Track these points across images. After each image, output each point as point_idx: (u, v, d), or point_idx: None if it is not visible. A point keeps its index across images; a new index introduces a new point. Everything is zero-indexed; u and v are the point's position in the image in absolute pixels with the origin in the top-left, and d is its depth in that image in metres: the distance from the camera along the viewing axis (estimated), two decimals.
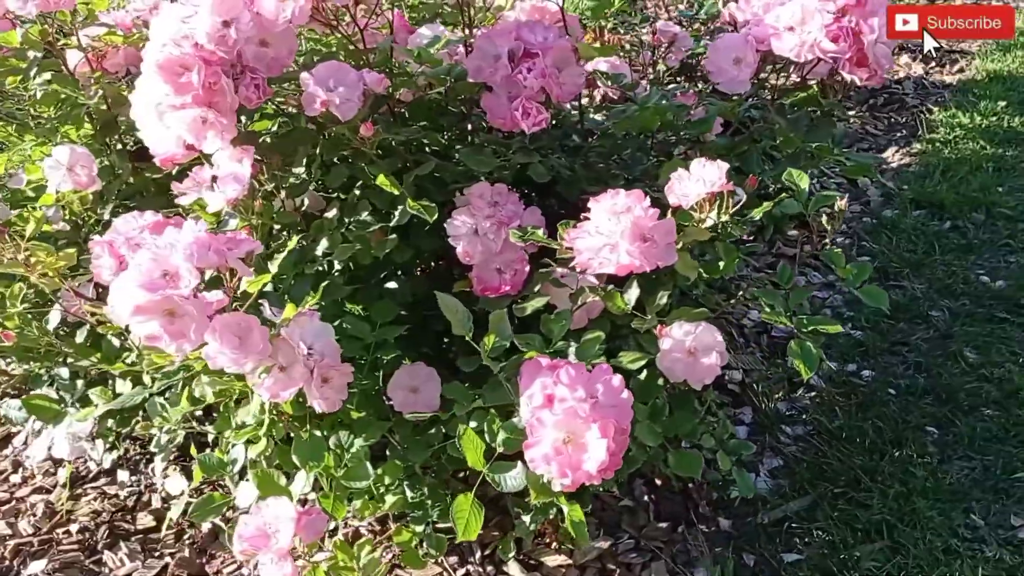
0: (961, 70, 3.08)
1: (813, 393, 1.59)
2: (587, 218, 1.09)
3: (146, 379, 1.24)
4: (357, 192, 1.31)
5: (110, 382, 1.26)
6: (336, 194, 1.32)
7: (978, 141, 2.45)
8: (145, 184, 1.51)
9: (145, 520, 1.48)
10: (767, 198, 1.14)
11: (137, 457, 1.60)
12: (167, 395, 1.22)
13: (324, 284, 1.22)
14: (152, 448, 1.37)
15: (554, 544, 1.33)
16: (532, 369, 0.96)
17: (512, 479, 0.98)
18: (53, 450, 1.39)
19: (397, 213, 1.22)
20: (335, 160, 1.28)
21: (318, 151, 1.26)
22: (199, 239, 0.92)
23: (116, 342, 1.23)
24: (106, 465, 1.58)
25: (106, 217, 1.47)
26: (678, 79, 1.55)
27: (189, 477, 1.50)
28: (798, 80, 1.29)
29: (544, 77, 1.21)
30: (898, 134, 2.62)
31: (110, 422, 1.38)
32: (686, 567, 1.28)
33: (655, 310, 1.12)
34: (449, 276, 1.36)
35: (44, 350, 1.31)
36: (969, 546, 1.29)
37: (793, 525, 1.34)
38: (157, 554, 1.42)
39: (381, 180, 1.17)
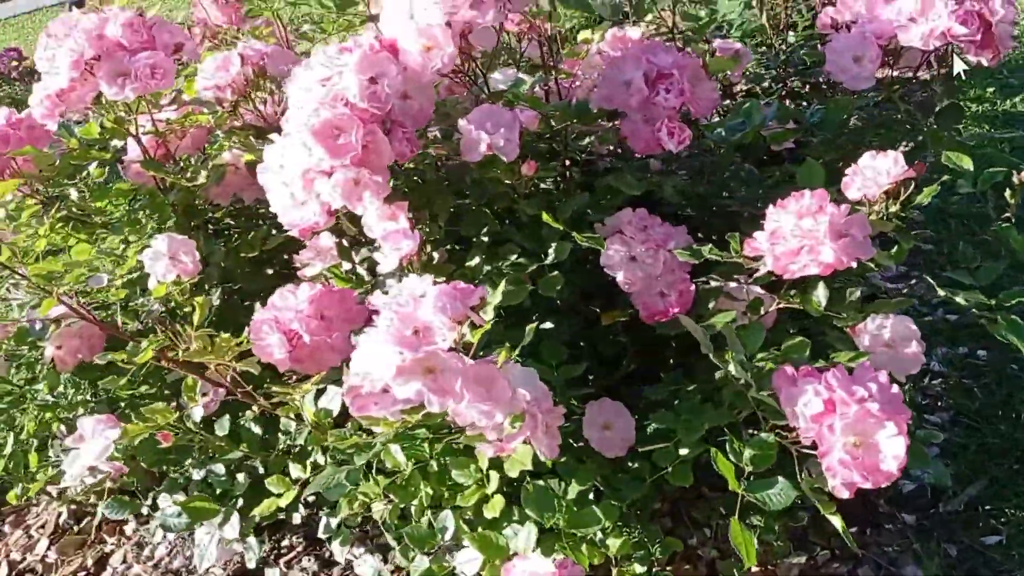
0: None
1: (939, 380, 1.59)
2: (762, 227, 1.09)
3: (319, 459, 1.19)
4: (484, 237, 1.27)
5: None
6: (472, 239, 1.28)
7: (982, 125, 2.54)
8: (240, 264, 1.46)
9: None
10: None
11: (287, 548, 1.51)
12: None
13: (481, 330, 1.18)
14: (321, 534, 1.28)
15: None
16: (784, 379, 0.94)
17: (776, 495, 0.96)
18: (200, 558, 1.30)
19: (552, 251, 1.20)
20: (473, 206, 1.25)
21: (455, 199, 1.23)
22: (444, 290, 0.88)
23: (292, 425, 1.16)
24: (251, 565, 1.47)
25: (215, 301, 1.40)
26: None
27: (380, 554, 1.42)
28: (910, 70, 1.31)
29: (682, 95, 1.20)
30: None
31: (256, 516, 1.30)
32: (892, 566, 1.26)
33: (849, 307, 1.11)
34: (590, 311, 1.34)
35: (182, 447, 1.25)
36: None
37: (980, 509, 1.33)
38: None
39: (545, 217, 1.15)
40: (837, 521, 0.94)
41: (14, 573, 1.64)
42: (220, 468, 1.24)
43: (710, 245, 1.17)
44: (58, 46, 1.23)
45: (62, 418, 1.35)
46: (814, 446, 0.94)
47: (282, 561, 1.49)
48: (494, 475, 1.03)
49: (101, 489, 1.38)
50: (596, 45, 1.47)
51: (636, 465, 1.14)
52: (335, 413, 1.18)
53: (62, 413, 1.34)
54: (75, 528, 1.71)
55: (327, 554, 1.47)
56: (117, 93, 1.24)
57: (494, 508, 1.01)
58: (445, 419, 0.98)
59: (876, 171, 1.09)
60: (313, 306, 1.10)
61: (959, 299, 1.11)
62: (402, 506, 1.14)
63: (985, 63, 1.24)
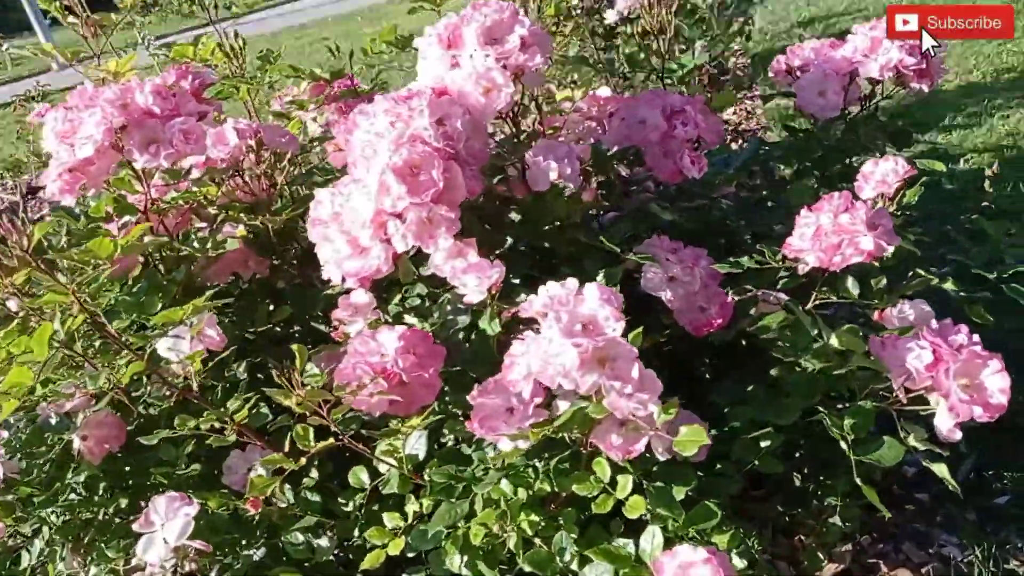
0: None
1: None
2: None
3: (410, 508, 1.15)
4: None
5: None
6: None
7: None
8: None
9: None
10: None
11: None
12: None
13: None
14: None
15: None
16: (878, 346, 1.05)
17: (887, 453, 1.04)
18: None
19: (602, 277, 1.26)
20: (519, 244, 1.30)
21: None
22: (603, 288, 0.92)
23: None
24: None
25: (243, 375, 1.34)
26: None
27: None
28: (864, 98, 1.52)
29: (698, 127, 1.33)
30: None
31: None
32: (927, 539, 1.37)
33: (877, 294, 1.25)
34: None
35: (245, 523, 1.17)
36: None
37: (982, 477, 1.47)
38: None
39: (606, 242, 1.21)
40: (942, 468, 1.04)
41: None
42: (298, 536, 1.16)
43: (747, 256, 1.28)
44: (80, 117, 1.18)
45: (85, 518, 1.22)
46: (912, 402, 1.05)
47: None
48: (623, 479, 1.04)
49: None
50: (576, 103, 1.58)
51: (719, 466, 1.20)
52: (420, 457, 1.17)
53: (86, 510, 1.21)
54: None
55: None
56: (150, 161, 1.20)
57: (635, 508, 1.03)
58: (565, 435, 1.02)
59: (884, 173, 1.25)
60: (405, 345, 1.10)
61: (947, 286, 1.28)
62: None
63: (925, 90, 1.46)
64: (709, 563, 0.98)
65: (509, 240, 1.30)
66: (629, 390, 0.90)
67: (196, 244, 1.30)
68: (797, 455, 1.32)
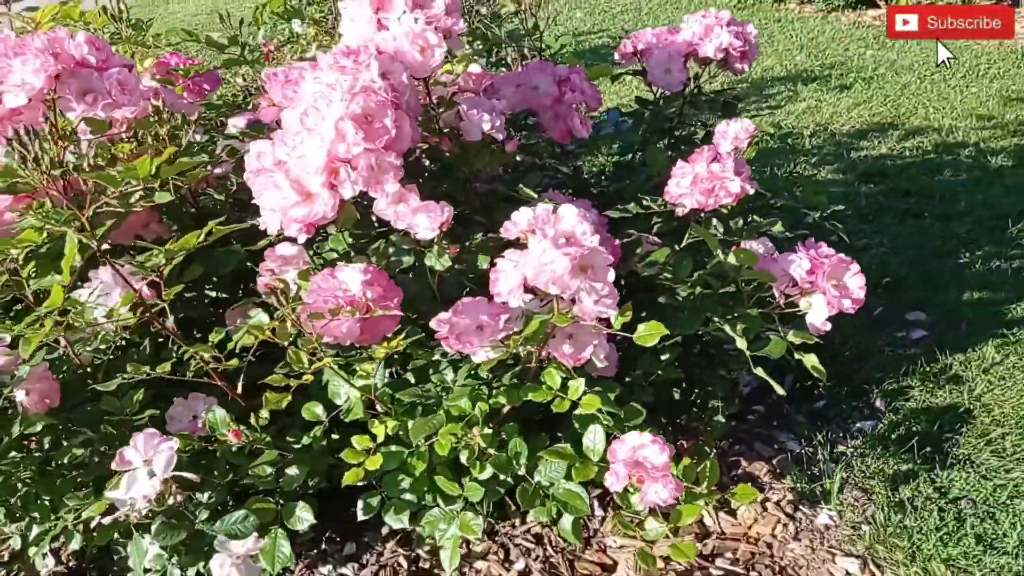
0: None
1: None
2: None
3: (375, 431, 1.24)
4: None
5: None
6: None
7: None
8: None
9: None
10: None
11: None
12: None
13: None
14: (363, 515, 1.29)
15: None
16: (766, 261, 1.29)
17: (774, 347, 1.28)
18: None
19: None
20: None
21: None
22: (578, 209, 1.08)
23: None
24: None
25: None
26: None
27: None
28: (694, 77, 1.79)
29: (584, 93, 1.53)
30: None
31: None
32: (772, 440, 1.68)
33: (739, 232, 1.51)
34: None
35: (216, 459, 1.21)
36: None
37: (800, 389, 1.79)
38: None
39: (524, 189, 1.37)
40: (813, 359, 1.30)
41: None
42: (266, 468, 1.20)
43: (632, 203, 1.49)
44: (9, 64, 1.15)
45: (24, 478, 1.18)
46: (788, 307, 1.30)
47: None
48: (575, 383, 1.20)
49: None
50: (457, 74, 1.72)
51: (628, 379, 1.40)
52: (378, 387, 1.26)
53: (33, 465, 1.18)
54: None
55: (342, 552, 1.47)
56: (87, 110, 1.19)
57: (591, 404, 1.18)
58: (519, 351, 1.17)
59: (737, 131, 1.51)
60: (369, 279, 1.19)
61: (776, 229, 1.58)
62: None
63: (746, 69, 1.76)
64: (656, 443, 1.17)
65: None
66: (605, 291, 1.07)
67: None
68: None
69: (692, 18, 1.75)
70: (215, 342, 1.16)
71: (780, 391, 1.30)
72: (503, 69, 2.05)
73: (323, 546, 1.49)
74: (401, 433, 1.23)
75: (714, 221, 1.51)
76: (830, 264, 1.25)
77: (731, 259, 1.29)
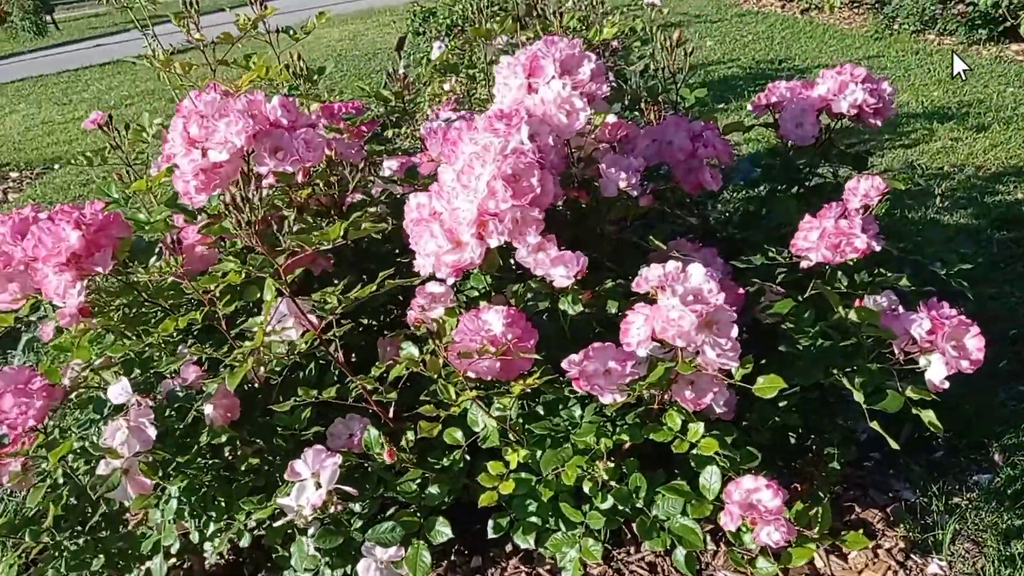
0: None
1: None
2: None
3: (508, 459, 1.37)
4: None
5: None
6: None
7: None
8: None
9: None
10: None
11: None
12: None
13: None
14: (492, 534, 1.42)
15: None
16: (888, 318, 1.36)
17: (891, 402, 1.34)
18: None
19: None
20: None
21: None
22: (705, 267, 1.18)
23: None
24: None
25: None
26: None
27: None
28: (824, 129, 1.85)
29: (715, 149, 1.62)
30: None
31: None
32: (886, 485, 1.71)
33: (861, 286, 1.56)
34: None
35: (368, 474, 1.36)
36: None
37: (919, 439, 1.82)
38: None
39: (654, 240, 1.47)
40: (930, 414, 1.35)
41: None
42: (411, 485, 1.35)
43: (758, 254, 1.57)
44: (215, 125, 1.34)
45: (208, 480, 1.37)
46: (908, 363, 1.36)
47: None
48: (695, 426, 1.30)
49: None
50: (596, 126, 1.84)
51: (745, 422, 1.48)
52: (512, 417, 1.39)
53: (214, 472, 1.37)
54: None
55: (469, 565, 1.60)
56: (277, 165, 1.37)
57: (709, 447, 1.28)
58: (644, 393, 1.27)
59: (867, 188, 1.57)
60: (509, 322, 1.32)
61: (903, 283, 1.62)
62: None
63: (879, 124, 1.80)
64: (770, 488, 1.25)
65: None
66: (728, 346, 1.16)
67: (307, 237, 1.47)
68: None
69: (827, 73, 1.81)
70: (376, 375, 1.31)
71: (894, 445, 1.36)
72: (636, 113, 2.16)
73: (452, 558, 1.63)
74: (531, 462, 1.35)
75: (839, 274, 1.57)
76: (950, 325, 1.30)
77: (852, 316, 1.36)
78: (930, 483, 1.69)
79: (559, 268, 1.36)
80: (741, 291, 1.59)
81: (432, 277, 1.41)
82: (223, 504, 1.38)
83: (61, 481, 1.40)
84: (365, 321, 1.67)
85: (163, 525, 1.37)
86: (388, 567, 1.38)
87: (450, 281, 1.44)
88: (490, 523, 1.42)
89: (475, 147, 1.36)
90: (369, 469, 1.37)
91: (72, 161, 1.91)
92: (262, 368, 1.43)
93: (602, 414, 1.37)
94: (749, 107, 1.88)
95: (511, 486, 1.32)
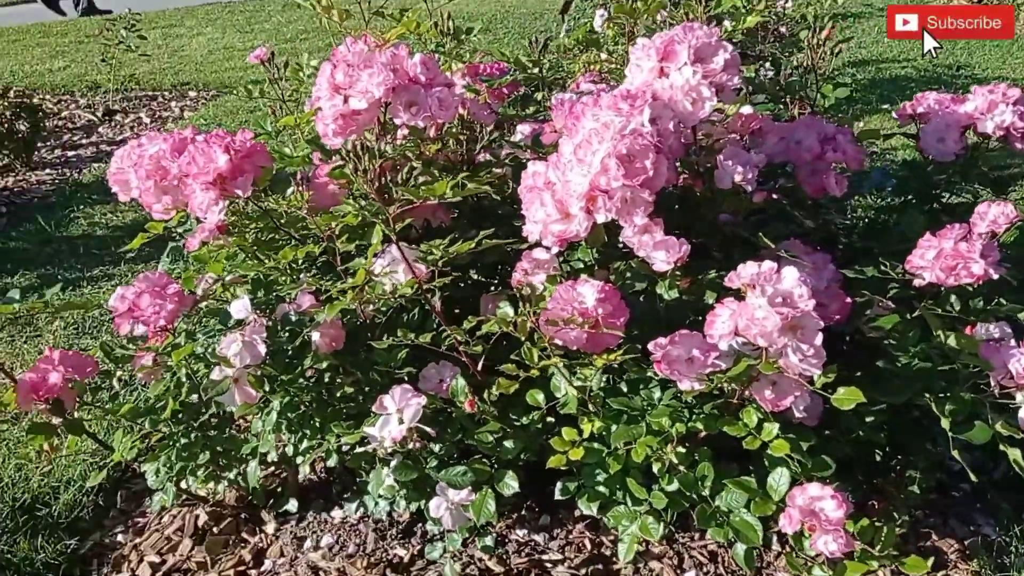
0: None
1: None
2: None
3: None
4: None
5: None
6: None
7: None
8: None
9: None
10: None
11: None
12: None
13: None
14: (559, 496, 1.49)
15: None
16: (988, 349, 1.32)
17: (978, 433, 1.32)
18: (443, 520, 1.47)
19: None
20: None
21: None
22: (800, 271, 1.19)
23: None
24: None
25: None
26: None
27: None
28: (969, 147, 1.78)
29: (845, 154, 1.59)
30: None
31: None
32: (969, 519, 1.67)
33: (976, 312, 1.51)
34: None
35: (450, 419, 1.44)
36: None
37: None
38: None
39: (763, 238, 1.47)
40: (1017, 453, 1.31)
41: (159, 574, 1.70)
42: (488, 436, 1.43)
43: (870, 267, 1.55)
44: (358, 75, 1.43)
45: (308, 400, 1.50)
46: (1003, 397, 1.32)
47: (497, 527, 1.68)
48: (769, 426, 1.32)
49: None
50: (729, 116, 1.83)
51: (828, 432, 1.47)
52: (593, 389, 1.44)
53: (314, 393, 1.49)
54: (215, 530, 1.78)
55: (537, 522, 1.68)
56: (410, 119, 1.46)
57: (779, 449, 1.30)
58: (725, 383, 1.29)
59: (997, 215, 1.51)
60: (602, 297, 1.36)
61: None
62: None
63: (1019, 148, 1.72)
64: (835, 499, 1.26)
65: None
66: (811, 352, 1.17)
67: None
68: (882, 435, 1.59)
69: (979, 90, 1.73)
70: (467, 329, 1.38)
71: (973, 477, 1.33)
72: (781, 107, 2.12)
73: (523, 512, 1.71)
74: (604, 433, 1.40)
75: (952, 297, 1.52)
76: None
77: (951, 342, 1.33)
78: (1015, 523, 1.63)
79: (660, 252, 1.39)
80: (848, 300, 1.57)
81: (539, 244, 1.47)
82: (317, 424, 1.50)
83: (183, 380, 1.55)
84: (475, 276, 1.74)
85: (263, 434, 1.51)
86: (458, 508, 1.47)
87: (555, 250, 1.50)
88: (559, 485, 1.48)
89: (595, 123, 1.39)
90: (452, 415, 1.45)
91: (235, 91, 2.06)
92: (370, 307, 1.54)
93: (681, 400, 1.40)
94: (895, 114, 1.83)
95: (580, 453, 1.37)
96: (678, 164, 1.52)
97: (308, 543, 1.71)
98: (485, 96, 1.86)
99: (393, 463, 1.40)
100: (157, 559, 1.73)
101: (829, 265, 1.57)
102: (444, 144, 1.66)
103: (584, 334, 1.35)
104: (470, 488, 1.44)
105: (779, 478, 1.34)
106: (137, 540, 1.79)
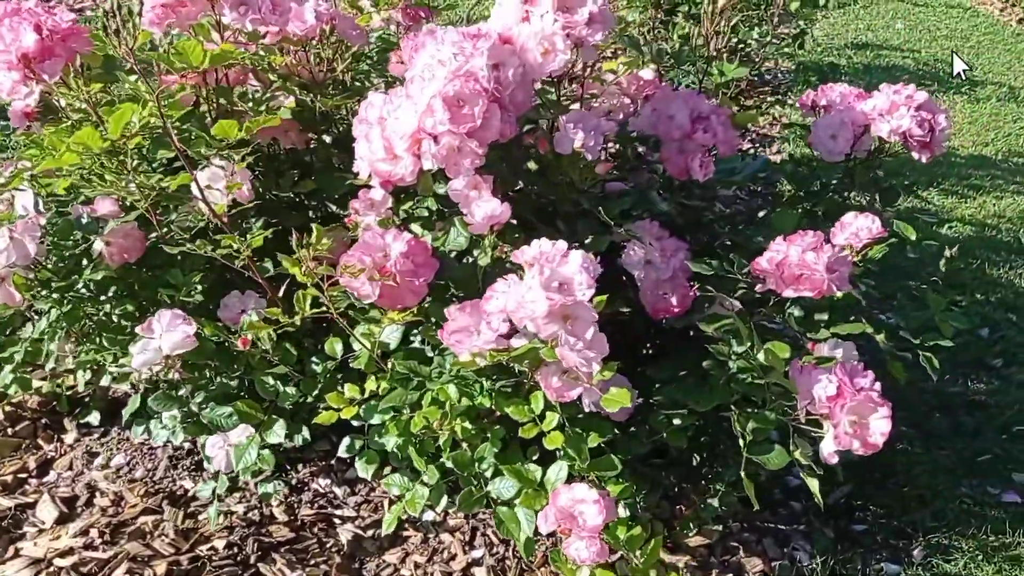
0: None
1: None
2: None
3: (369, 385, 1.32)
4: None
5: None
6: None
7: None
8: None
9: None
10: None
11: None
12: None
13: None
14: (343, 453, 1.40)
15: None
16: (797, 370, 1.22)
17: (774, 458, 1.23)
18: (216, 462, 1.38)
19: (589, 242, 1.41)
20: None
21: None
22: (584, 255, 1.07)
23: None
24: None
25: (257, 226, 1.48)
26: None
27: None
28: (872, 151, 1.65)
29: (716, 136, 1.47)
30: None
31: None
32: (787, 541, 1.58)
33: (816, 326, 1.41)
34: None
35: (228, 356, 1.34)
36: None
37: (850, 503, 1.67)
38: None
39: (603, 213, 1.36)
40: (814, 484, 1.22)
41: None
42: (269, 379, 1.33)
43: (717, 261, 1.44)
44: None
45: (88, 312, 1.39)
46: (810, 424, 1.23)
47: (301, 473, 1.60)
48: (551, 415, 1.22)
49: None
50: (618, 76, 1.70)
51: (634, 428, 1.38)
52: (391, 347, 1.34)
53: (93, 306, 1.38)
54: (9, 431, 1.68)
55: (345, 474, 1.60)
56: (236, 20, 1.33)
57: (554, 441, 1.20)
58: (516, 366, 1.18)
59: (859, 227, 1.40)
60: (407, 251, 1.25)
61: (879, 338, 1.45)
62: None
63: (924, 160, 1.59)
64: (597, 503, 1.17)
65: (520, 184, 1.45)
66: (580, 346, 1.06)
67: (251, 103, 1.43)
68: (702, 439, 1.50)
69: (885, 88, 1.61)
70: (251, 243, 1.26)
71: (818, 498, 1.24)
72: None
73: (333, 461, 1.62)
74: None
75: (795, 309, 1.42)
76: (855, 399, 1.15)
77: (760, 356, 1.23)
78: (831, 554, 1.55)
79: (479, 211, 1.28)
80: (692, 292, 1.47)
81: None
82: (98, 341, 1.39)
83: None
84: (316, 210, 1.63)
85: (26, 340, 1.39)
86: (236, 450, 1.37)
87: (380, 193, 1.39)
88: (345, 441, 1.39)
89: (431, 59, 1.27)
90: (235, 352, 1.34)
91: None
92: (174, 219, 1.42)
93: (479, 373, 1.30)
94: (797, 103, 1.70)
95: (352, 412, 1.28)
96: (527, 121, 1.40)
97: (99, 460, 1.62)
98: (369, 16, 1.72)
99: (154, 394, 1.30)
100: None
101: (680, 254, 1.47)
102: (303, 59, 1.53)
103: (376, 287, 1.24)
104: (253, 430, 1.35)
105: (557, 471, 1.25)
106: None
